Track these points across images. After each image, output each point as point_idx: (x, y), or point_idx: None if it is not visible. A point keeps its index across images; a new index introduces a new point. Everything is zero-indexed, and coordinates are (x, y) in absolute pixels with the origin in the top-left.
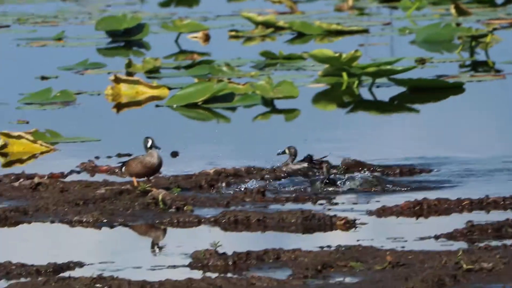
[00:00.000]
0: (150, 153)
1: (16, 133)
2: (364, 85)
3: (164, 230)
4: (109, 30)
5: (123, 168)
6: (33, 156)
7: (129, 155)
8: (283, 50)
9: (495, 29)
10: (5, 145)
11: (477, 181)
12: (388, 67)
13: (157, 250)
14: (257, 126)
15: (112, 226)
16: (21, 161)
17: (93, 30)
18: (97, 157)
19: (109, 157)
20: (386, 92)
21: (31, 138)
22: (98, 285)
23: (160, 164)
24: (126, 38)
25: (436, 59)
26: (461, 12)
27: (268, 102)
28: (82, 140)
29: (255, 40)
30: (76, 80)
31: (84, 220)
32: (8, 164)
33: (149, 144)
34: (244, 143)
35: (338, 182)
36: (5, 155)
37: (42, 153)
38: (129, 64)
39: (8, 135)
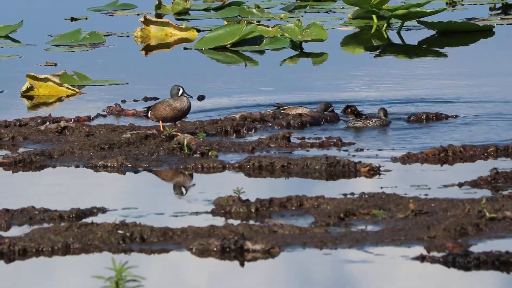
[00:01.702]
0: (180, 98)
1: (42, 76)
2: (394, 28)
3: (188, 176)
4: None
5: (149, 113)
6: (59, 99)
7: (156, 98)
8: None
9: None
10: (31, 88)
11: (504, 127)
12: (418, 9)
13: (180, 196)
14: (284, 69)
15: (136, 171)
16: (47, 104)
17: None
18: (123, 101)
19: (136, 100)
20: (415, 35)
21: (57, 81)
22: (120, 231)
23: (189, 109)
24: None
25: (467, 1)
26: None
27: (296, 45)
28: (110, 83)
29: None
30: (105, 21)
31: (109, 164)
32: (34, 107)
33: (180, 93)
34: (271, 87)
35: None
36: (31, 98)
37: (68, 96)
38: (158, 6)
39: (34, 78)
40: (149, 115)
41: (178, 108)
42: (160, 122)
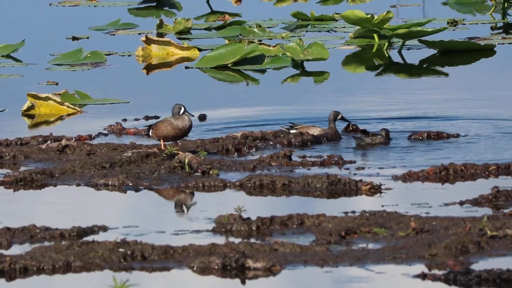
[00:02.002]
0: (181, 117)
1: (43, 95)
2: (395, 47)
3: (189, 194)
4: None
5: (151, 131)
6: (60, 118)
7: (157, 117)
8: (314, 11)
9: None
10: (32, 107)
11: (505, 146)
12: (419, 28)
13: (181, 214)
14: (286, 88)
15: (137, 190)
16: (47, 122)
17: None
18: (124, 120)
19: (137, 119)
20: (416, 54)
21: (58, 99)
22: (121, 249)
23: (190, 127)
24: None
25: (468, 21)
26: None
27: (298, 64)
28: (111, 102)
29: (287, 0)
30: (107, 40)
31: (110, 183)
32: (35, 126)
33: (181, 112)
34: (272, 106)
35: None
36: (32, 116)
37: (69, 115)
38: (160, 25)
39: (35, 97)
40: (150, 133)
41: (179, 127)
42: (162, 140)
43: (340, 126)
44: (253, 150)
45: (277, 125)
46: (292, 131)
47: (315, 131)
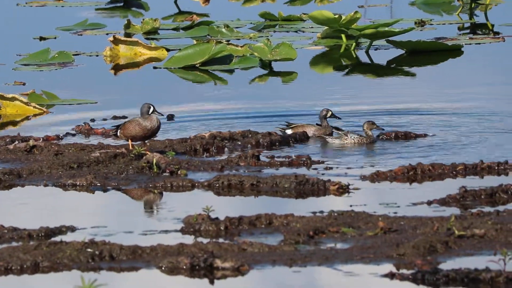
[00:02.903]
0: (150, 117)
1: (10, 95)
2: (362, 48)
3: (157, 194)
4: None
5: (119, 131)
6: (27, 118)
7: (125, 117)
8: (282, 11)
9: None
10: None
11: (472, 146)
12: (386, 28)
13: (149, 214)
14: (254, 88)
15: (105, 190)
16: (14, 123)
17: None
18: (92, 120)
19: (105, 119)
20: (384, 54)
21: (24, 100)
22: (89, 249)
23: (158, 128)
24: None
25: (436, 21)
26: None
27: (266, 64)
28: (79, 102)
29: (254, 1)
30: (74, 40)
31: (78, 183)
32: (1, 126)
33: (150, 111)
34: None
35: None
36: None
37: (35, 115)
38: (128, 25)
39: (2, 97)
40: (118, 134)
41: (148, 127)
42: (130, 141)
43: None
44: (232, 150)
45: (247, 124)
46: (287, 131)
47: (311, 129)
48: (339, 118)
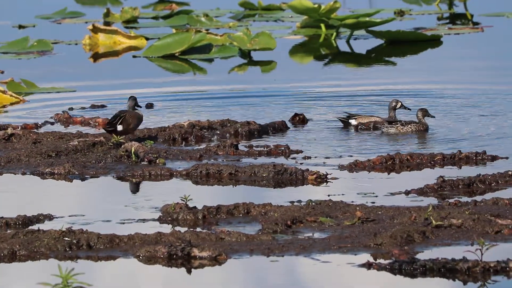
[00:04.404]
0: (138, 110)
1: None
2: (342, 37)
3: (136, 183)
4: None
5: (121, 126)
6: (3, 106)
7: (104, 106)
8: (262, 0)
9: None
10: None
11: (451, 136)
12: (367, 19)
13: (127, 203)
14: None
15: (83, 179)
16: None
17: None
18: (71, 108)
19: (83, 108)
20: (363, 44)
21: (1, 88)
22: (67, 238)
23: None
24: None
25: (415, 11)
26: None
27: (245, 54)
28: (57, 91)
29: None
30: (53, 29)
31: (56, 172)
32: None
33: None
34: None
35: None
36: None
37: (12, 104)
38: (107, 14)
39: None
40: (119, 128)
41: (141, 119)
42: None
43: (400, 114)
44: (214, 138)
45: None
46: (351, 121)
47: (376, 119)
48: (409, 109)
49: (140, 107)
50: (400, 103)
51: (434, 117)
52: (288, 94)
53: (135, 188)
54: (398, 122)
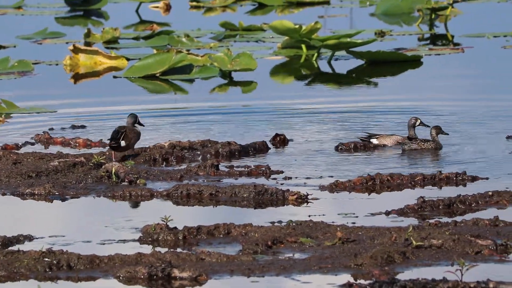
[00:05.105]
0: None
1: None
2: (323, 58)
3: (116, 204)
4: None
5: (123, 141)
6: None
7: (84, 126)
8: (243, 21)
9: (455, 1)
10: None
11: (431, 156)
12: (348, 39)
13: (107, 224)
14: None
15: (64, 199)
16: None
17: None
18: (51, 129)
19: (64, 128)
20: (344, 64)
21: None
22: (47, 259)
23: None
24: (85, 7)
25: (396, 32)
26: None
27: (226, 74)
28: (38, 111)
29: (215, 10)
30: (34, 49)
31: (36, 192)
32: None
33: (137, 120)
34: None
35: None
36: None
37: None
38: (88, 34)
39: None
40: (123, 144)
41: (140, 136)
42: (114, 153)
43: (420, 131)
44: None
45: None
46: (373, 140)
47: (394, 139)
48: (428, 126)
49: (143, 125)
50: (419, 121)
51: (448, 134)
52: (269, 114)
53: (115, 209)
54: (418, 139)
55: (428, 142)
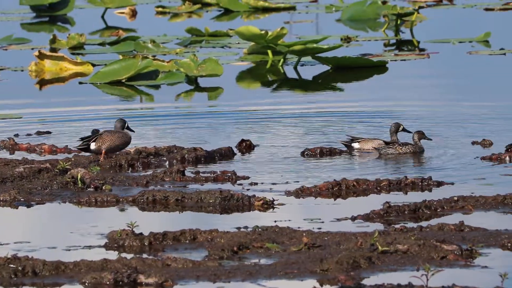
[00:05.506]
0: (126, 131)
1: None
2: (289, 63)
3: (82, 210)
4: (34, 5)
5: (94, 144)
6: None
7: (49, 132)
8: (209, 27)
9: (421, 7)
10: None
11: (396, 161)
12: (314, 45)
13: (73, 230)
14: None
15: (29, 205)
16: None
17: (17, 4)
18: (16, 135)
19: (29, 134)
20: (310, 70)
21: None
22: (12, 265)
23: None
24: (50, 13)
25: (362, 37)
26: None
27: (192, 80)
28: (3, 118)
29: (181, 16)
30: None
31: (1, 198)
32: None
33: (126, 125)
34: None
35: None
36: None
37: None
38: (53, 40)
39: None
40: (93, 146)
41: (128, 140)
42: (103, 152)
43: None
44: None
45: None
46: (354, 145)
47: (376, 143)
48: (410, 132)
49: (133, 131)
50: (402, 126)
51: (431, 139)
52: (235, 120)
53: (81, 215)
54: (396, 143)
55: (406, 146)
